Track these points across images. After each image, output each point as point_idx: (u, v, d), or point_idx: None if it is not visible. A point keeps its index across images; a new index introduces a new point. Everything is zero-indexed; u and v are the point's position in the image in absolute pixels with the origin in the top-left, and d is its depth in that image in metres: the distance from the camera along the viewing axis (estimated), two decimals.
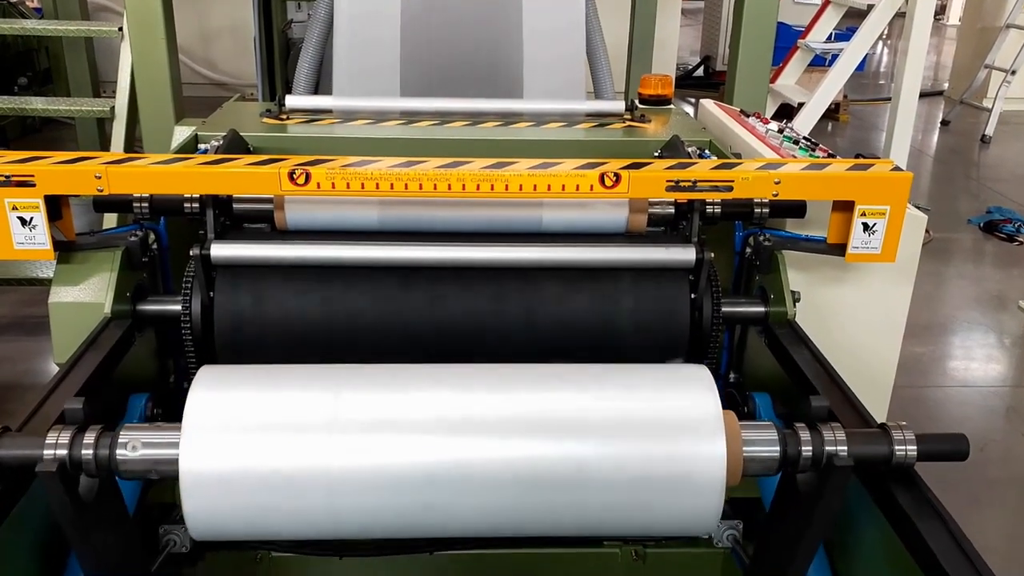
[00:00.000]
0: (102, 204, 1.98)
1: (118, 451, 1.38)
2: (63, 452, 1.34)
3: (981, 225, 6.17)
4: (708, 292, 1.96)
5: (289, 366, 1.58)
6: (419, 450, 1.41)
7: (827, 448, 1.43)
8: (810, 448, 1.44)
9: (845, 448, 1.43)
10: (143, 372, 2.01)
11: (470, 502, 1.42)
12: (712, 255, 1.94)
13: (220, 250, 1.88)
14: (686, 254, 1.93)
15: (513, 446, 1.42)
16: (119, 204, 1.98)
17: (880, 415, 2.25)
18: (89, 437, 1.37)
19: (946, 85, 11.00)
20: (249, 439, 1.40)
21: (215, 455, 1.39)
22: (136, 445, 1.39)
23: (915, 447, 1.43)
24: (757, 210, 2.02)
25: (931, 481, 1.43)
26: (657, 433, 1.44)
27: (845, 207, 1.90)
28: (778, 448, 1.45)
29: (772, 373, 1.96)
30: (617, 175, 1.81)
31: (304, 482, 1.39)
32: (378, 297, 1.93)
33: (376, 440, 1.42)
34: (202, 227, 1.93)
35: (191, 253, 1.87)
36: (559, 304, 1.95)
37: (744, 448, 1.44)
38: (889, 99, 6.23)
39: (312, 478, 1.39)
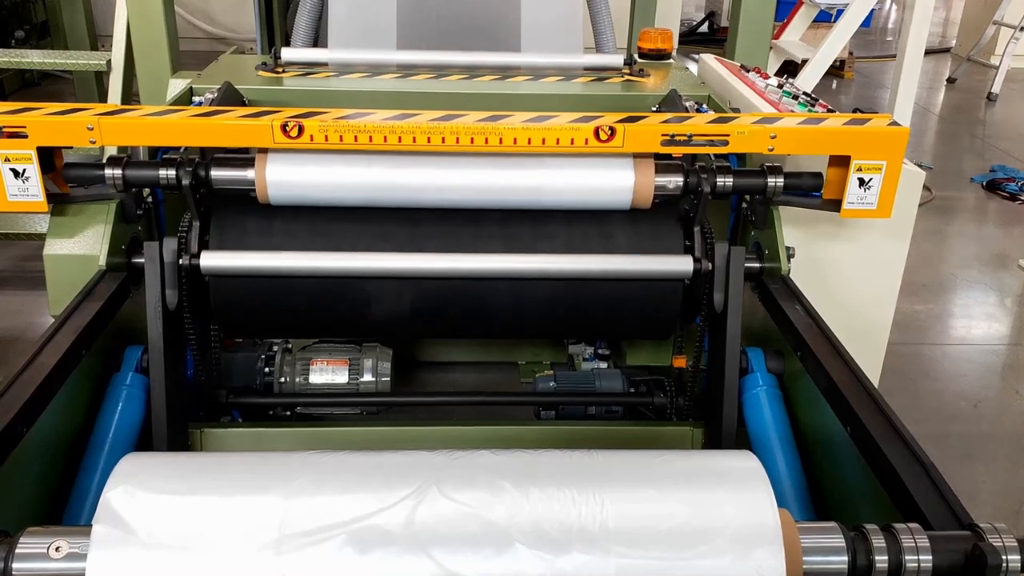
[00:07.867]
0: None
1: None
2: None
3: (984, 184, 6.13)
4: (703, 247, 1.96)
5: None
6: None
7: (906, 557, 1.20)
8: (885, 557, 1.21)
9: (928, 558, 1.20)
10: (140, 325, 2.01)
11: None
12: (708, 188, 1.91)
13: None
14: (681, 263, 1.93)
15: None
16: None
17: (874, 372, 2.26)
18: None
19: (954, 42, 10.86)
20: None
21: None
22: None
23: (1019, 556, 1.17)
24: (771, 182, 1.92)
25: (922, 436, 1.40)
26: (700, 544, 1.18)
27: (841, 162, 1.89)
28: (846, 558, 1.22)
29: (765, 328, 1.97)
30: (612, 129, 1.81)
31: None
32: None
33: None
34: None
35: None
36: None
37: (805, 558, 1.21)
38: (895, 56, 6.15)
39: None
